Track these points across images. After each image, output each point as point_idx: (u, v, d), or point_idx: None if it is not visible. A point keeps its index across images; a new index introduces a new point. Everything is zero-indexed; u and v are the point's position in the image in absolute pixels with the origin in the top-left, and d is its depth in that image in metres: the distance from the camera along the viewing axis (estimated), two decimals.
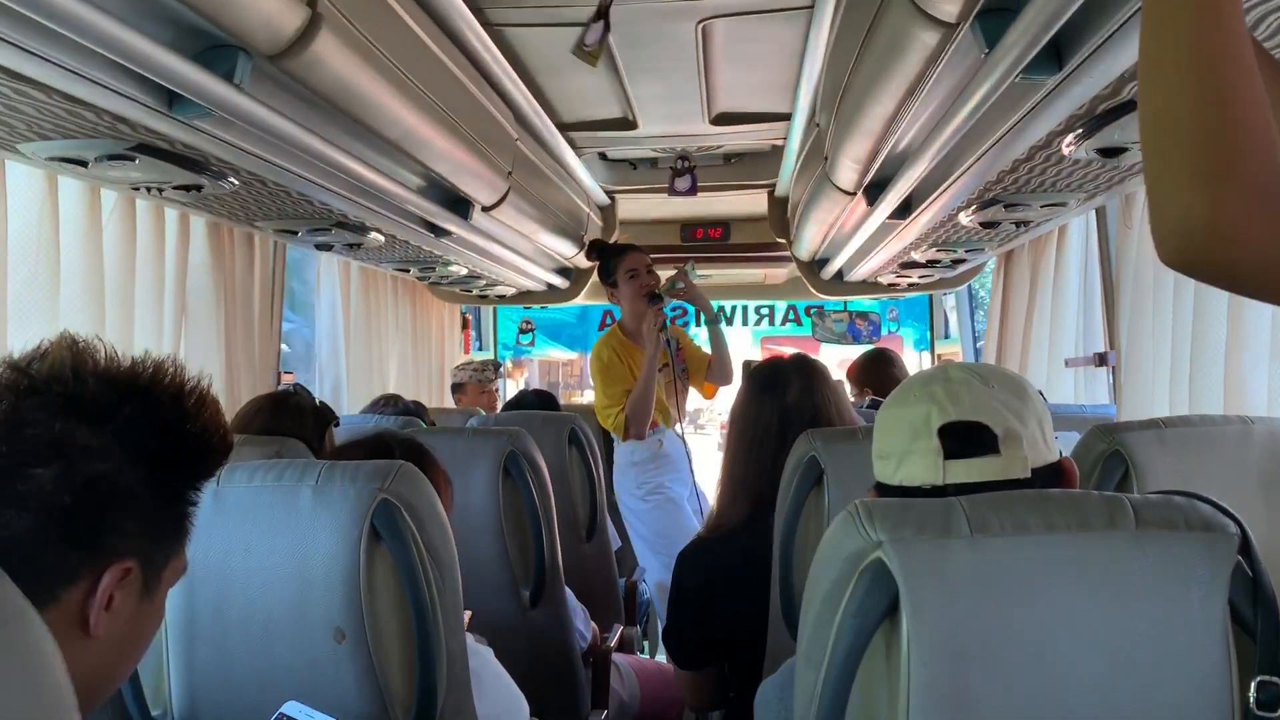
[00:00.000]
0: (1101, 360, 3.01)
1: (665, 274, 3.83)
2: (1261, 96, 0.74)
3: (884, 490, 1.20)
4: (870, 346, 5.31)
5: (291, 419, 2.45)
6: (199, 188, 2.12)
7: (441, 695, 1.42)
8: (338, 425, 2.66)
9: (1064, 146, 1.93)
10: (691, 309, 5.50)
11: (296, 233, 2.86)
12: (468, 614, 1.92)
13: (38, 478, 0.83)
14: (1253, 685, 0.96)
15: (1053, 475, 1.15)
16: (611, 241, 4.44)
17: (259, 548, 1.41)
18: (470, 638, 1.65)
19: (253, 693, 1.42)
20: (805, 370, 2.12)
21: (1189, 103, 0.74)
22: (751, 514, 2.03)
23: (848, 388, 4.00)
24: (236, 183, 2.16)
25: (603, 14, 2.23)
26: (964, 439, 1.13)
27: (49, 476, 0.84)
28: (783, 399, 2.06)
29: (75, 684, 0.65)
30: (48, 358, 0.92)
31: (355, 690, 1.39)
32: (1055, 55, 1.49)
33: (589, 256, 4.12)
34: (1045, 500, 1.01)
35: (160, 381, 0.95)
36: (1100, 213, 2.92)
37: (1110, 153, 1.93)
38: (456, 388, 4.76)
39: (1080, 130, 1.83)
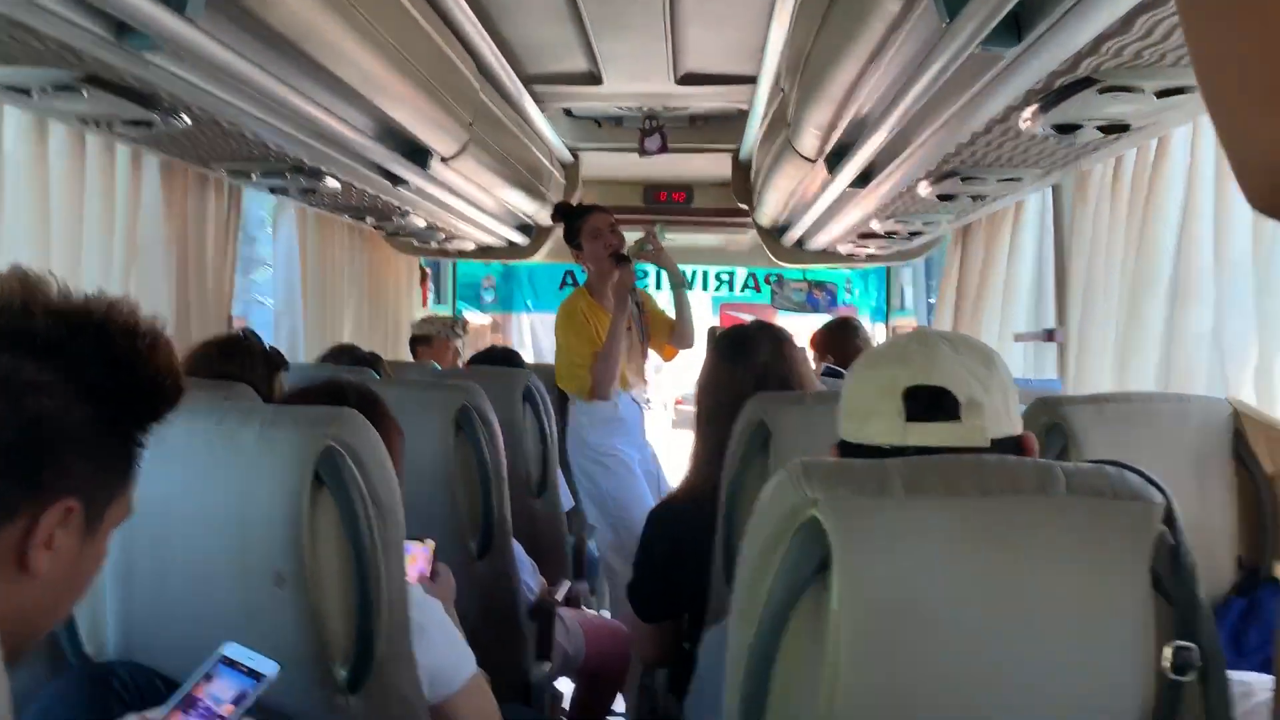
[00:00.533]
0: (1050, 336, 3.06)
1: (629, 236, 3.82)
2: None
3: (846, 448, 1.21)
4: (826, 316, 5.34)
5: (240, 364, 2.43)
6: (149, 124, 2.08)
7: (381, 641, 1.42)
8: (287, 371, 2.64)
9: (1021, 121, 1.94)
10: (653, 271, 5.49)
11: (251, 175, 2.81)
12: (431, 543, 1.92)
13: None
14: (1168, 650, 0.99)
15: (1012, 448, 1.16)
16: (575, 200, 4.42)
17: (200, 490, 1.40)
18: (419, 589, 1.66)
19: (191, 634, 1.42)
20: (774, 335, 2.16)
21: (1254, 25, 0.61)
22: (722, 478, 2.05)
23: (809, 355, 4.03)
24: (188, 120, 2.11)
25: None
26: (927, 403, 1.14)
27: None
28: (755, 363, 2.09)
29: (11, 620, 0.65)
30: None
31: (294, 634, 1.39)
32: (1015, 28, 1.50)
33: (554, 218, 4.10)
34: (979, 464, 1.03)
35: (114, 319, 0.93)
36: (1057, 190, 2.95)
37: (1066, 129, 1.95)
38: (422, 340, 4.62)
39: (1037, 105, 1.84)
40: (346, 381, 1.78)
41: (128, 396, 0.94)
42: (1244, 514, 1.90)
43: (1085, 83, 1.69)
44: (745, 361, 2.10)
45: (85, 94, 1.85)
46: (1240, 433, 1.92)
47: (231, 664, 1.34)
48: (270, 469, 1.38)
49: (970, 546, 1.00)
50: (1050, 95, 1.78)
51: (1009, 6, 1.40)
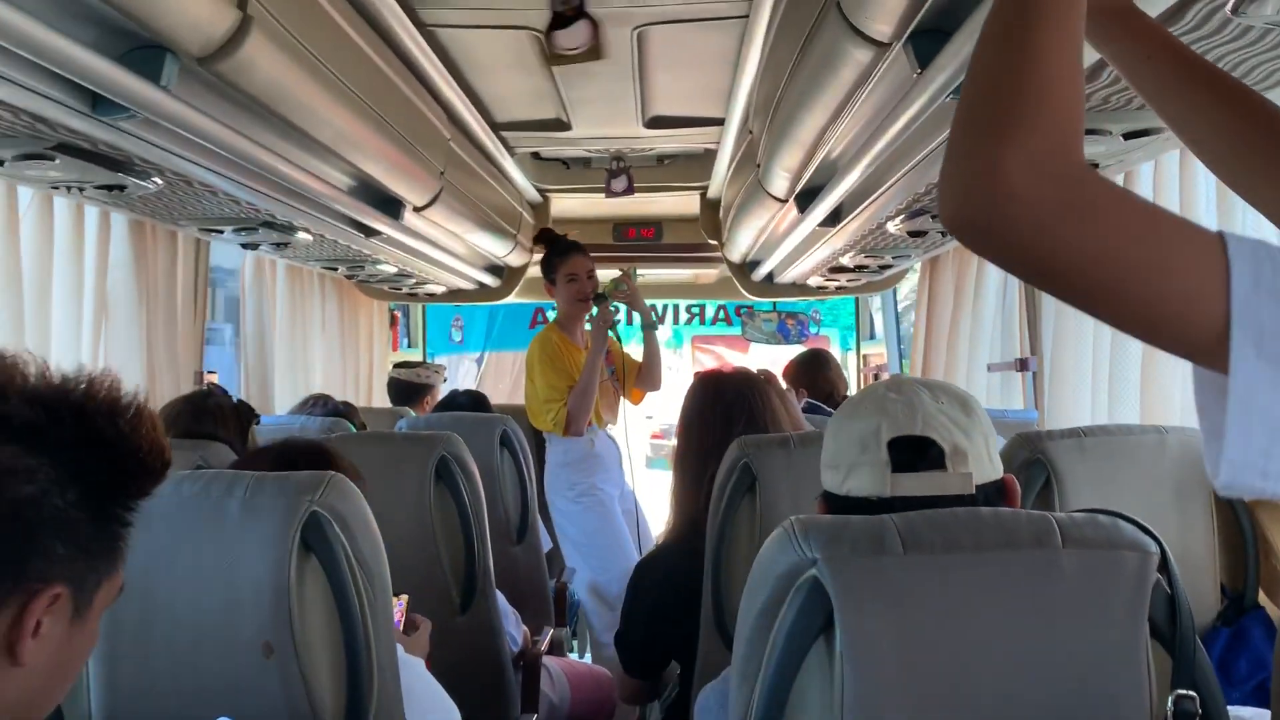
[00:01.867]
0: (1023, 365, 3.08)
1: (601, 275, 3.82)
2: (1078, 78, 0.73)
3: (830, 500, 1.21)
4: (799, 346, 5.36)
5: (213, 421, 2.40)
6: (121, 187, 2.06)
7: (372, 708, 1.40)
8: (259, 424, 2.61)
9: None
10: (622, 310, 5.50)
11: (222, 231, 2.79)
12: (405, 597, 1.90)
13: None
14: (1170, 699, 1.00)
15: (996, 493, 1.18)
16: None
17: (185, 561, 1.38)
18: (399, 648, 1.64)
19: (179, 708, 1.39)
20: (744, 374, 2.19)
21: (1001, 62, 0.73)
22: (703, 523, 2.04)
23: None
24: (160, 183, 2.10)
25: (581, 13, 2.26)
26: (912, 453, 1.15)
27: None
28: (723, 401, 2.11)
29: (2, 713, 0.63)
30: None
31: (284, 704, 1.36)
32: None
33: (536, 243, 4.10)
34: (976, 519, 1.04)
35: (94, 397, 0.91)
36: None
37: None
38: (425, 389, 4.47)
39: None
40: (300, 443, 1.75)
41: (112, 477, 0.92)
42: (1225, 542, 1.93)
43: None
44: (713, 400, 2.13)
45: (57, 161, 1.84)
46: None
47: None
48: (256, 537, 1.36)
49: (971, 602, 1.00)
50: None
51: None
